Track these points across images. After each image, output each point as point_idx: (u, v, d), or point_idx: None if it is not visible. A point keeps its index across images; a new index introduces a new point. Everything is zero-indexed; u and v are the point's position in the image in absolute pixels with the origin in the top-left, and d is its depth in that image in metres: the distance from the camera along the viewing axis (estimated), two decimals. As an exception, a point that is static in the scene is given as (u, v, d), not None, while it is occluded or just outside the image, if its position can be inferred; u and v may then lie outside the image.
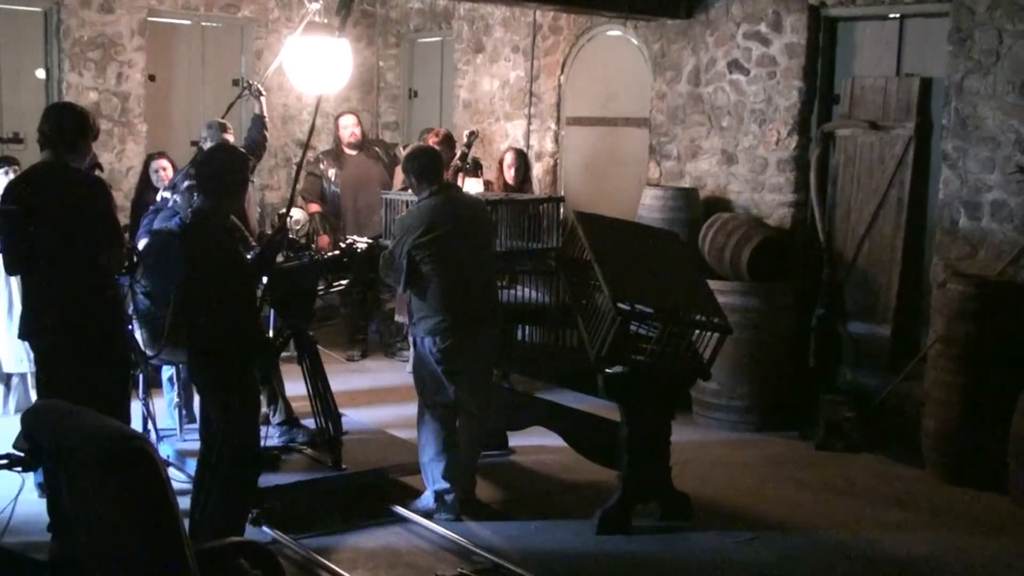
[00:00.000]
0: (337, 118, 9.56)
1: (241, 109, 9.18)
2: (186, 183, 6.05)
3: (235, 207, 5.35)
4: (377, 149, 9.55)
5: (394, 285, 6.02)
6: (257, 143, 7.55)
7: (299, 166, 6.24)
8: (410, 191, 6.13)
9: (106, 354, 5.31)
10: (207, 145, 7.05)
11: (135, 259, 5.65)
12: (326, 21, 6.16)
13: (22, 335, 5.52)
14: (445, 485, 5.71)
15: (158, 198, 6.98)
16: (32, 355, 5.89)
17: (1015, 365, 6.31)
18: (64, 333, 5.29)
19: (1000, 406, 6.26)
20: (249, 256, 5.40)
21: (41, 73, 9.61)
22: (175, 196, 6.38)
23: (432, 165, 5.83)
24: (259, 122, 7.59)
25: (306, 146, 6.03)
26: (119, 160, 9.74)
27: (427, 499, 5.78)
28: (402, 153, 7.63)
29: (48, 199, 5.25)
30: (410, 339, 7.00)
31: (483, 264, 5.87)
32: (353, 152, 9.30)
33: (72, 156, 5.37)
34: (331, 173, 9.23)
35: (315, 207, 9.18)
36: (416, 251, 5.59)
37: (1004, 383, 6.30)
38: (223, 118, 7.38)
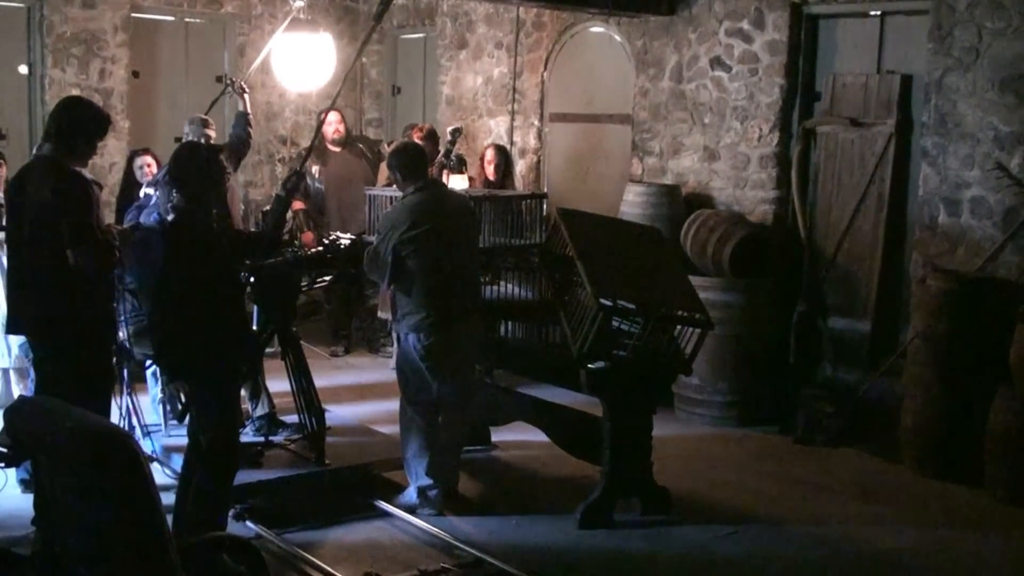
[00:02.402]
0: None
1: (224, 106, 9.16)
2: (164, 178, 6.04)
3: (216, 200, 5.33)
4: (361, 146, 9.53)
5: (379, 281, 6.03)
6: (242, 140, 7.54)
7: (305, 155, 6.19)
8: (394, 187, 6.14)
9: (76, 347, 5.30)
10: (190, 141, 7.04)
11: (116, 255, 5.60)
12: (309, 18, 6.17)
13: (8, 329, 5.56)
14: (428, 480, 5.73)
15: (141, 194, 6.97)
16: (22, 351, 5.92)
17: (993, 361, 6.34)
18: (37, 326, 5.32)
19: (978, 402, 6.32)
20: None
21: (24, 69, 9.57)
22: (158, 192, 6.37)
23: (417, 161, 5.85)
24: (243, 119, 7.57)
25: (310, 149, 6.03)
26: (102, 156, 9.68)
27: (410, 494, 5.79)
28: (386, 150, 7.65)
29: (26, 193, 5.26)
30: (394, 335, 7.01)
31: (467, 260, 5.88)
32: (337, 149, 9.29)
33: (65, 153, 5.31)
34: (315, 170, 9.21)
35: (299, 204, 9.16)
36: (401, 247, 5.59)
37: (982, 379, 6.36)
38: (206, 115, 7.37)
